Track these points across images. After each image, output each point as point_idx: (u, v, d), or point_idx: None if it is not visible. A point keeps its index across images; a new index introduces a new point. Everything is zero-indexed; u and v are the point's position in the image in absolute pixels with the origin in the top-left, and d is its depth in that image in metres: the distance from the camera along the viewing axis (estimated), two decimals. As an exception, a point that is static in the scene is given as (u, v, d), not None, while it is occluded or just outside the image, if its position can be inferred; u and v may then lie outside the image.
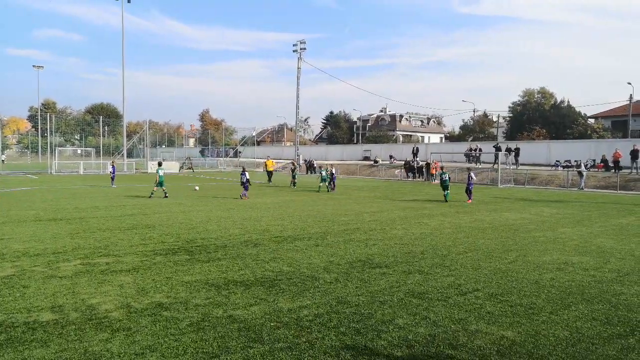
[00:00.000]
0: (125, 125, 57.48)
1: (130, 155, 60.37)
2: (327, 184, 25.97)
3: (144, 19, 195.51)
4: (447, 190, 21.33)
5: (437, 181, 33.75)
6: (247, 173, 21.96)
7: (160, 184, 21.35)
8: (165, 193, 21.36)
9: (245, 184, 21.40)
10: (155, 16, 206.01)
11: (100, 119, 56.37)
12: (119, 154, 56.56)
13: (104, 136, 70.76)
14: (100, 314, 5.99)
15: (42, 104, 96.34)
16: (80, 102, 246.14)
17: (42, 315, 5.95)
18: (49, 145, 48.65)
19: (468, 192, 21.09)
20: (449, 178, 22.19)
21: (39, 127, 79.40)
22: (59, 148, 55.42)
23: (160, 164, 23.44)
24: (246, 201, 20.26)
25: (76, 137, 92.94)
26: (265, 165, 35.09)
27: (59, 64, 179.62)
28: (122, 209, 17.11)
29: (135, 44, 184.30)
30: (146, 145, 56.84)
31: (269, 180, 33.03)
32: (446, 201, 20.66)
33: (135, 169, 49.22)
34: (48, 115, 54.18)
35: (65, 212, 15.82)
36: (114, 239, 11.02)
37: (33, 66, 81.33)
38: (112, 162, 31.03)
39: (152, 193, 21.55)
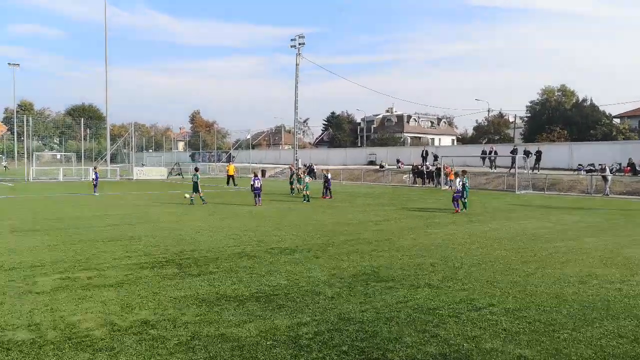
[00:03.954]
0: (108, 127, 57.65)
1: (114, 160, 60.50)
2: (304, 190, 25.18)
3: (128, 12, 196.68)
4: (464, 198, 20.28)
5: (448, 187, 33.75)
6: (260, 179, 23.17)
7: (195, 189, 22.72)
8: (202, 199, 22.66)
9: (257, 191, 22.33)
10: (141, 9, 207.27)
11: (82, 121, 56.65)
12: (101, 159, 56.67)
13: (85, 140, 70.90)
14: (80, 333, 5.99)
15: (19, 105, 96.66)
16: (59, 102, 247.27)
17: (17, 334, 5.95)
18: (25, 150, 48.76)
19: (456, 200, 19.82)
20: (463, 184, 20.27)
21: (15, 130, 79.53)
22: (37, 153, 55.55)
23: (197, 169, 24.38)
24: (240, 210, 20.33)
25: (55, 140, 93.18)
26: (227, 170, 40.81)
27: (34, 61, 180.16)
28: (105, 218, 17.15)
29: (119, 39, 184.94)
30: (131, 150, 56.94)
31: (234, 184, 37.95)
32: (460, 210, 19.91)
33: (120, 175, 49.37)
34: (25, 117, 54.43)
35: (44, 223, 15.85)
36: (96, 252, 11.05)
37: (8, 64, 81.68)
38: (95, 168, 31.17)
39: (191, 199, 22.56)
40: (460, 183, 20.31)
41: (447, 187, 33.26)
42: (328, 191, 26.48)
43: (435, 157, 43.85)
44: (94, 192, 28.22)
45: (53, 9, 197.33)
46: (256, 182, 22.46)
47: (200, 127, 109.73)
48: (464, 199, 20.23)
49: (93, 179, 29.27)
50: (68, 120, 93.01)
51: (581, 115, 63.05)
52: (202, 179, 24.57)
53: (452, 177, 35.22)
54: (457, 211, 19.46)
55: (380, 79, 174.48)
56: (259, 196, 22.41)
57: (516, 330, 6.16)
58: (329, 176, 27.20)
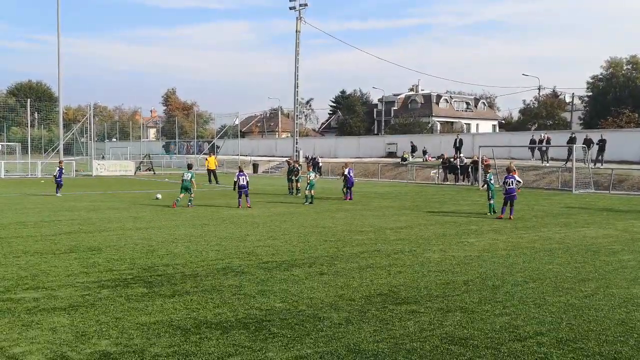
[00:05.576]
0: (61, 111, 57.82)
1: (68, 152, 60.69)
2: (307, 190, 25.09)
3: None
4: (492, 199, 20.60)
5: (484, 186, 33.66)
6: (246, 174, 23.35)
7: (185, 189, 22.75)
8: (190, 201, 22.85)
9: (242, 189, 22.54)
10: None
11: (28, 103, 56.72)
12: (53, 150, 56.90)
13: (32, 126, 71.12)
14: (25, 368, 6.03)
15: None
16: None
17: (-54, 369, 6.01)
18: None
19: (505, 203, 19.75)
20: (491, 180, 21.34)
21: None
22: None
23: (190, 166, 24.53)
24: (226, 214, 20.41)
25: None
26: (207, 162, 41.46)
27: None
28: (57, 225, 17.25)
29: (75, 2, 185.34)
30: (90, 139, 57.13)
31: (215, 181, 39.28)
32: (488, 213, 20.46)
33: (76, 171, 49.49)
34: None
35: (-20, 230, 15.95)
36: (46, 266, 11.11)
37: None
38: (60, 163, 31.34)
39: (176, 200, 22.84)
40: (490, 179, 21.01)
41: (484, 186, 33.16)
42: (349, 191, 26.57)
43: (459, 146, 44.11)
44: (57, 192, 28.07)
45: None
46: (241, 178, 22.59)
47: (177, 110, 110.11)
48: (490, 200, 20.66)
49: (55, 175, 28.78)
50: (11, 102, 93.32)
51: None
52: (180, 175, 24.68)
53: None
54: (500, 217, 19.49)
55: (403, 49, 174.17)
56: (247, 196, 22.58)
57: (570, 366, 6.17)
58: (347, 171, 26.45)
